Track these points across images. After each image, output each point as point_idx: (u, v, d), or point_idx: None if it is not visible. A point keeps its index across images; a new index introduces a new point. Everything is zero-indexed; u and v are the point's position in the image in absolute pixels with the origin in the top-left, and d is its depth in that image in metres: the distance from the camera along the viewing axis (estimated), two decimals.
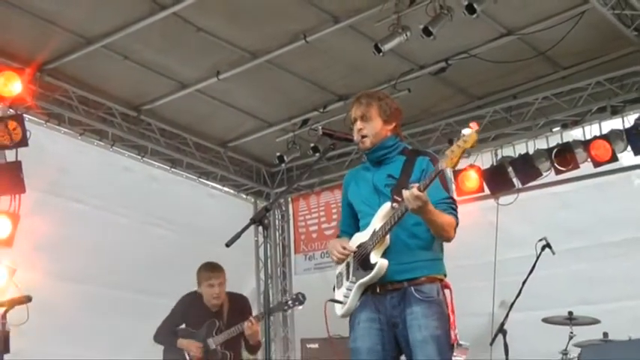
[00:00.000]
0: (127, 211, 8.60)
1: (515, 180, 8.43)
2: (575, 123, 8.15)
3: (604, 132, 7.98)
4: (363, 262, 4.06)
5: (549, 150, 8.20)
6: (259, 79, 8.00)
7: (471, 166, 8.66)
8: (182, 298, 6.84)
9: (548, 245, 6.56)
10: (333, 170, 9.52)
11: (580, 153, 8.02)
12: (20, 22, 6.85)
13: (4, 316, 5.62)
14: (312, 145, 8.79)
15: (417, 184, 3.83)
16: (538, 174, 8.26)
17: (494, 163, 8.65)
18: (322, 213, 9.74)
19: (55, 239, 7.64)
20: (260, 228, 3.97)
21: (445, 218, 3.99)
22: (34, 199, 7.29)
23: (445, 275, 4.12)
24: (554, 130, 8.33)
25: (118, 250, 8.39)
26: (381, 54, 6.70)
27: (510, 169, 8.45)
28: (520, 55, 7.62)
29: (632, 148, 7.75)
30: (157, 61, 7.67)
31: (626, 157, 7.99)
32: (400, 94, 7.70)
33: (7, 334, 5.75)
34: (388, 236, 3.99)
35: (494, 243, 8.25)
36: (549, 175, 8.23)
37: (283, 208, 10.20)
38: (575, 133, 8.28)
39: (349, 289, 4.12)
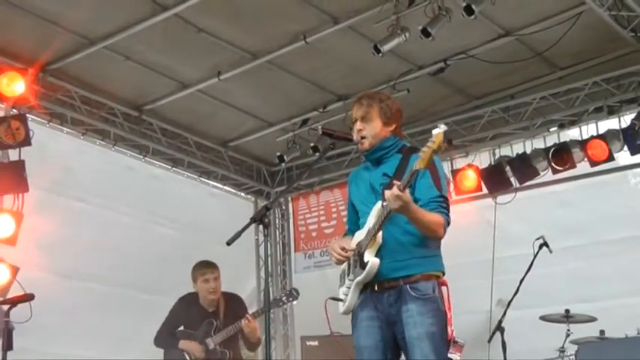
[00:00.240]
0: (129, 210, 8.60)
1: (512, 179, 8.43)
2: (572, 123, 8.17)
3: (601, 132, 8.00)
4: (360, 260, 4.08)
5: (546, 149, 8.21)
6: (260, 79, 8.01)
7: (469, 165, 8.70)
8: (179, 300, 6.91)
9: (545, 244, 6.58)
10: (333, 170, 9.54)
11: (577, 152, 8.04)
12: (23, 22, 6.87)
13: (7, 313, 5.66)
14: (312, 144, 8.79)
15: (397, 183, 3.80)
16: (535, 173, 8.28)
17: (492, 163, 8.65)
18: (322, 212, 9.74)
19: (58, 238, 7.66)
20: (260, 227, 3.96)
21: (431, 217, 3.95)
22: (37, 198, 7.30)
23: (443, 273, 4.10)
24: (551, 129, 8.36)
25: (120, 249, 8.40)
26: (380, 54, 6.71)
27: (508, 168, 8.46)
28: (518, 56, 7.64)
29: (629, 148, 7.79)
30: (158, 62, 7.69)
31: (623, 156, 8.04)
32: (399, 95, 7.70)
33: (10, 331, 5.81)
34: (380, 235, 3.98)
35: (492, 241, 8.23)
36: (546, 175, 8.24)
37: (283, 207, 10.22)
38: (572, 133, 8.30)
39: (348, 287, 4.14)
